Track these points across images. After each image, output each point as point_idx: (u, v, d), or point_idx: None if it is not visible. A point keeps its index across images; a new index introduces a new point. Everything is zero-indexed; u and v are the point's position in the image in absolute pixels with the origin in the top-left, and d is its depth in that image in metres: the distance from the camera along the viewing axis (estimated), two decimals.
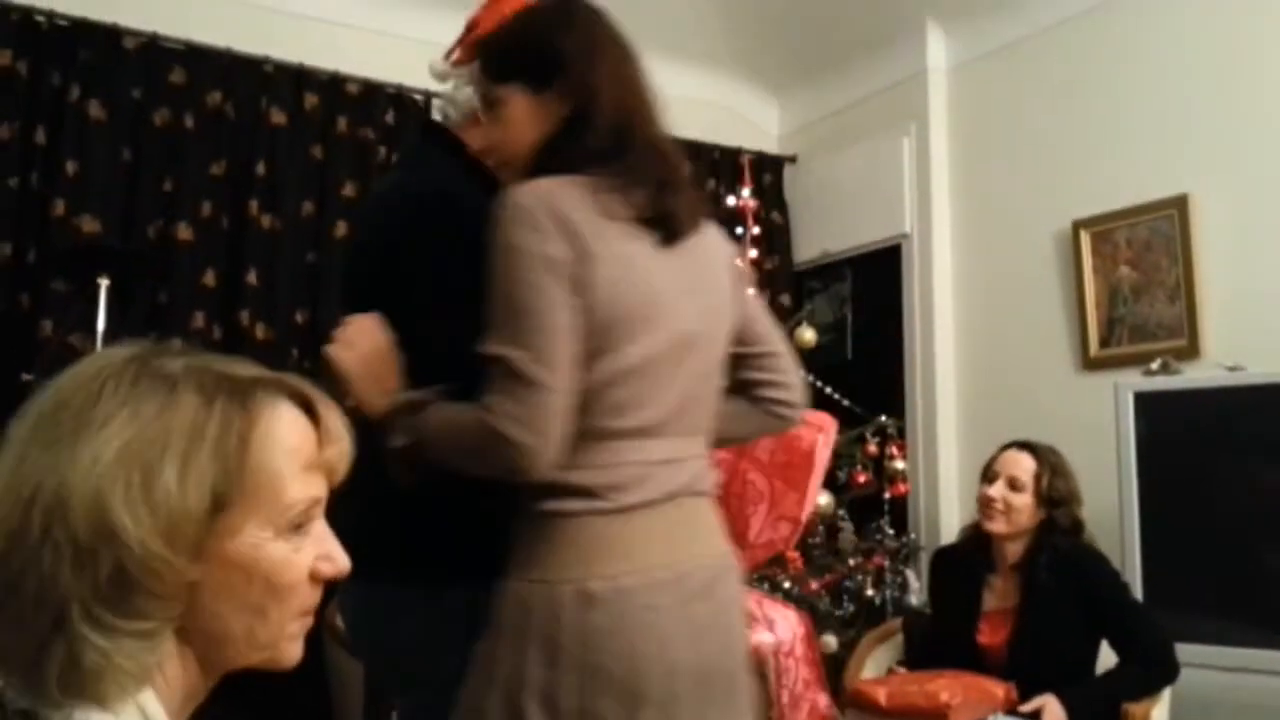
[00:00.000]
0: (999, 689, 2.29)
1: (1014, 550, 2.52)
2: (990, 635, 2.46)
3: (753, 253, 3.65)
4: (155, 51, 3.54)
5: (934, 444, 3.94)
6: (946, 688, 2.18)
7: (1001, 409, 3.77)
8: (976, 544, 2.59)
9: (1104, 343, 3.60)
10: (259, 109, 3.69)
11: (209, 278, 3.55)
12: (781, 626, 1.67)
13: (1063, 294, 3.72)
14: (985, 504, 2.52)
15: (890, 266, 4.23)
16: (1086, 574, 2.44)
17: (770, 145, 4.80)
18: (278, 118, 3.71)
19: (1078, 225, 3.65)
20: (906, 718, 2.14)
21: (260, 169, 3.66)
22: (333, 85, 3.82)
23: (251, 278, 3.59)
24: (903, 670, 2.51)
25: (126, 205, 3.48)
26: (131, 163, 3.51)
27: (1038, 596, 2.43)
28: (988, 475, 2.57)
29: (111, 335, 3.20)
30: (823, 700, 1.71)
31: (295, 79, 3.75)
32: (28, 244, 3.34)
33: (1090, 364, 3.60)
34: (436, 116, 1.68)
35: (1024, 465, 2.54)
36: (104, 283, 3.20)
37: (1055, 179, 3.76)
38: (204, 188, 3.57)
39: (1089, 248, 3.65)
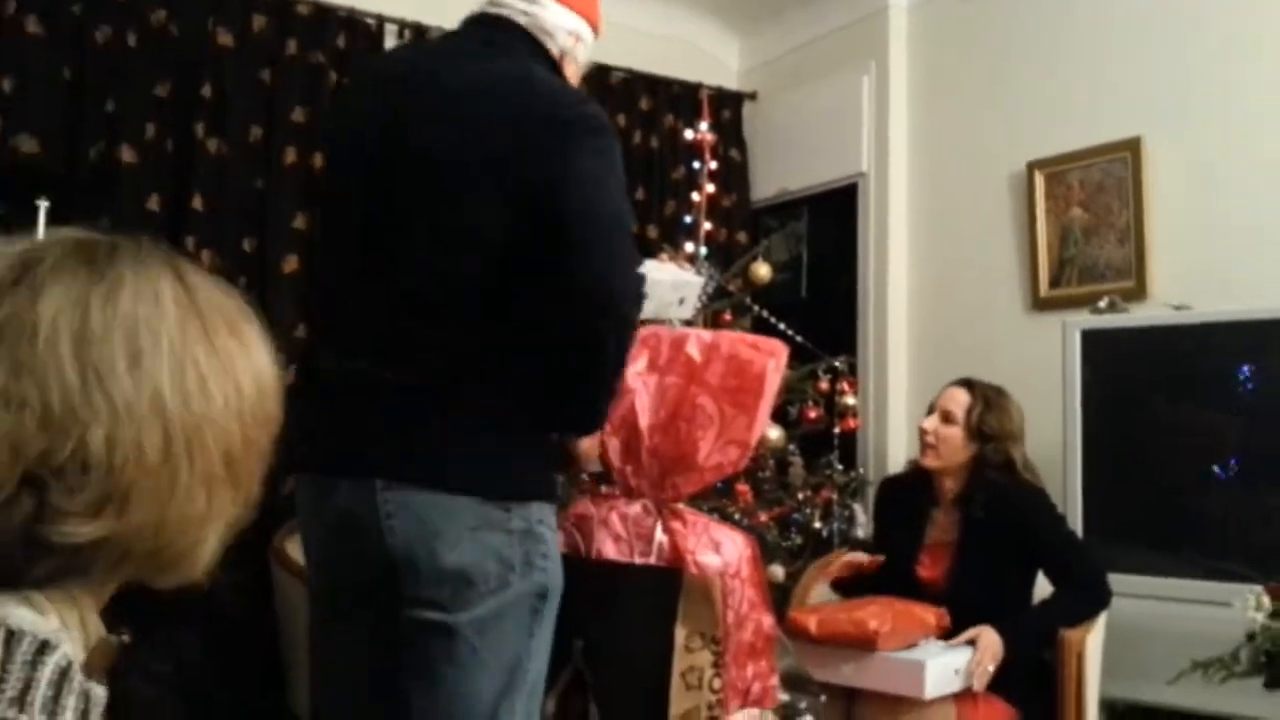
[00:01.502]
0: (930, 615, 2.33)
1: (952, 485, 2.56)
2: (930, 568, 2.51)
3: (710, 188, 3.62)
4: None
5: (884, 381, 3.98)
6: (876, 615, 2.21)
7: (951, 348, 3.82)
8: (919, 478, 2.63)
9: (1054, 283, 3.64)
10: (205, 29, 3.57)
11: (153, 202, 3.46)
12: (728, 549, 1.68)
13: (1015, 234, 3.75)
14: (919, 437, 2.56)
15: (846, 205, 4.23)
16: (1023, 509, 2.49)
17: (730, 81, 4.75)
18: (224, 39, 3.59)
19: (1032, 166, 3.67)
20: (837, 645, 2.18)
21: (207, 91, 3.55)
22: (282, 7, 3.70)
23: (197, 203, 3.50)
24: (836, 599, 2.55)
25: (67, 125, 3.37)
26: (72, 81, 3.39)
27: (975, 531, 2.48)
28: (928, 410, 2.62)
29: None
30: (767, 621, 1.73)
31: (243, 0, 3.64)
32: None
33: (1040, 304, 3.64)
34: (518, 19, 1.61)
35: (958, 399, 2.58)
36: (43, 205, 3.11)
37: (1012, 120, 3.77)
38: (148, 109, 3.47)
39: (1043, 189, 3.67)
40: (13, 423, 0.73)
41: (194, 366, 0.79)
